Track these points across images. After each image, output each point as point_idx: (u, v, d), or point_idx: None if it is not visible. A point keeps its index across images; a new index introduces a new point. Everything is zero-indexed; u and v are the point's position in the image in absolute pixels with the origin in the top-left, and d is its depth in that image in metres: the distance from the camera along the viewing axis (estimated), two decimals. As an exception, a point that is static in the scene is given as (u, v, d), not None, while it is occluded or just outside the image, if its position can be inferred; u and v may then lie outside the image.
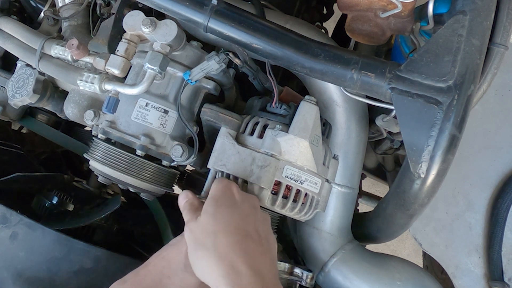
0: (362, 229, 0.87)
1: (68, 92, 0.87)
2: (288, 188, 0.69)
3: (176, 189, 1.04)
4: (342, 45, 0.77)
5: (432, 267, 1.25)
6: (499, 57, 0.67)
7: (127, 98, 0.76)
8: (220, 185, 0.67)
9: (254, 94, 0.82)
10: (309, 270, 0.81)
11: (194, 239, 0.62)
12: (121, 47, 0.75)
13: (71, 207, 0.95)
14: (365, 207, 1.65)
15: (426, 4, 0.70)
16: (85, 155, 0.81)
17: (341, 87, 0.78)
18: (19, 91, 0.86)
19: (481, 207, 0.85)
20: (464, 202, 0.86)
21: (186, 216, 0.66)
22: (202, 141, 0.79)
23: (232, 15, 0.71)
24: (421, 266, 1.03)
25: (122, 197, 1.04)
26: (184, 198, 0.69)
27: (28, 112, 1.04)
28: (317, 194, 0.72)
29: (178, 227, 0.84)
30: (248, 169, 0.68)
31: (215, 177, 0.73)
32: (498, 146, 0.86)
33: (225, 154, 0.70)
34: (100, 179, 0.80)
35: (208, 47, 0.83)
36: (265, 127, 0.72)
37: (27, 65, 0.90)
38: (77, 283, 0.77)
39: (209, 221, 0.62)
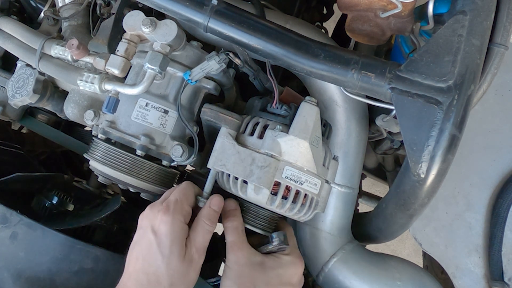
0: (362, 229, 0.87)
1: (68, 92, 0.87)
2: (288, 188, 0.69)
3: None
4: (342, 45, 0.77)
5: (432, 267, 1.25)
6: (499, 57, 0.66)
7: (127, 98, 0.76)
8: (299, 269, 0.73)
9: (254, 94, 0.82)
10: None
11: (240, 273, 0.68)
12: (121, 47, 0.75)
13: (71, 207, 0.95)
14: (365, 207, 1.65)
15: (426, 4, 0.70)
16: (85, 155, 0.81)
17: (341, 87, 0.78)
18: (19, 91, 0.86)
19: (481, 207, 0.85)
20: (464, 202, 0.86)
21: (232, 237, 0.71)
22: (202, 141, 0.79)
23: (232, 15, 0.71)
24: (421, 266, 1.03)
25: (122, 197, 1.04)
26: (232, 221, 0.72)
27: (28, 112, 1.04)
28: (317, 195, 0.72)
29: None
30: (247, 169, 0.68)
31: (215, 177, 0.73)
32: (498, 146, 0.86)
33: (225, 154, 0.70)
34: (100, 179, 0.80)
35: (208, 47, 0.83)
36: (265, 127, 0.71)
37: (27, 65, 0.90)
38: (77, 283, 0.77)
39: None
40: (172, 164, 0.78)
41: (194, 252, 0.67)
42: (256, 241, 0.74)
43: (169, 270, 0.65)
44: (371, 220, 0.85)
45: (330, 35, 1.08)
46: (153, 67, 0.72)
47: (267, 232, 0.76)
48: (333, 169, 0.76)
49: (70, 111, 0.85)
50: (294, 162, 0.69)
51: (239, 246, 0.70)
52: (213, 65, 0.74)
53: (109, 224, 0.94)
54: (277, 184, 0.69)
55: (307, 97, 0.72)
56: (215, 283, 0.83)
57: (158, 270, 0.65)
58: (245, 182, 0.70)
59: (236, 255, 0.69)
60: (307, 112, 0.70)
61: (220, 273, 0.87)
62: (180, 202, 0.69)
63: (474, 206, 0.86)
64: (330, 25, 1.14)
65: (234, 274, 0.68)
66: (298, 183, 0.69)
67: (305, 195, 0.70)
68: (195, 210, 0.72)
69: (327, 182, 0.74)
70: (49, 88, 0.89)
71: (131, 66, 0.78)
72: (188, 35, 0.80)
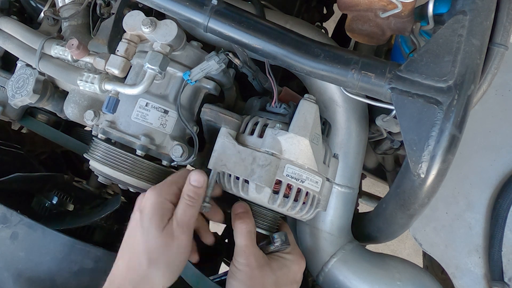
0: (362, 229, 0.87)
1: (68, 92, 0.87)
2: (289, 187, 0.69)
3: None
4: (342, 45, 0.77)
5: (432, 267, 1.25)
6: (499, 57, 0.66)
7: (127, 98, 0.76)
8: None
9: (254, 94, 0.82)
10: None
11: (251, 274, 0.68)
12: (121, 47, 0.75)
13: (71, 207, 0.95)
14: (365, 207, 1.65)
15: (426, 4, 0.70)
16: (85, 155, 0.81)
17: (341, 87, 0.78)
18: (19, 91, 0.86)
19: (481, 207, 0.85)
20: (464, 202, 0.86)
21: (245, 241, 0.70)
22: (202, 141, 0.79)
23: (232, 15, 0.71)
24: (421, 266, 1.03)
25: (122, 197, 1.04)
26: (246, 224, 0.72)
27: (28, 112, 1.04)
28: (318, 193, 0.72)
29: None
30: (249, 168, 0.68)
31: (216, 178, 0.73)
32: (498, 146, 0.86)
33: (226, 154, 0.70)
34: (100, 179, 0.80)
35: (208, 47, 0.83)
36: (265, 126, 0.71)
37: (27, 65, 0.90)
38: (77, 283, 0.77)
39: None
40: (172, 164, 0.78)
41: (175, 227, 0.67)
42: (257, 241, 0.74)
43: (147, 244, 0.65)
44: (371, 220, 0.85)
45: (330, 35, 1.08)
46: (153, 67, 0.72)
47: (271, 232, 0.76)
48: (333, 167, 0.76)
49: (70, 111, 0.85)
50: (295, 160, 0.69)
51: (251, 250, 0.70)
52: (212, 65, 0.74)
53: (109, 224, 0.94)
54: (278, 182, 0.69)
55: (306, 95, 0.72)
56: (215, 280, 0.83)
57: (137, 248, 0.66)
58: (246, 181, 0.70)
59: (248, 259, 0.69)
60: (306, 110, 0.70)
61: (220, 271, 0.87)
62: (169, 182, 0.71)
63: (474, 206, 0.86)
64: (330, 25, 1.14)
65: (244, 277, 0.69)
66: (300, 181, 0.69)
67: (307, 193, 0.70)
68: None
69: (328, 180, 0.74)
70: (49, 88, 0.89)
71: (131, 66, 0.78)
72: (188, 35, 0.80)
